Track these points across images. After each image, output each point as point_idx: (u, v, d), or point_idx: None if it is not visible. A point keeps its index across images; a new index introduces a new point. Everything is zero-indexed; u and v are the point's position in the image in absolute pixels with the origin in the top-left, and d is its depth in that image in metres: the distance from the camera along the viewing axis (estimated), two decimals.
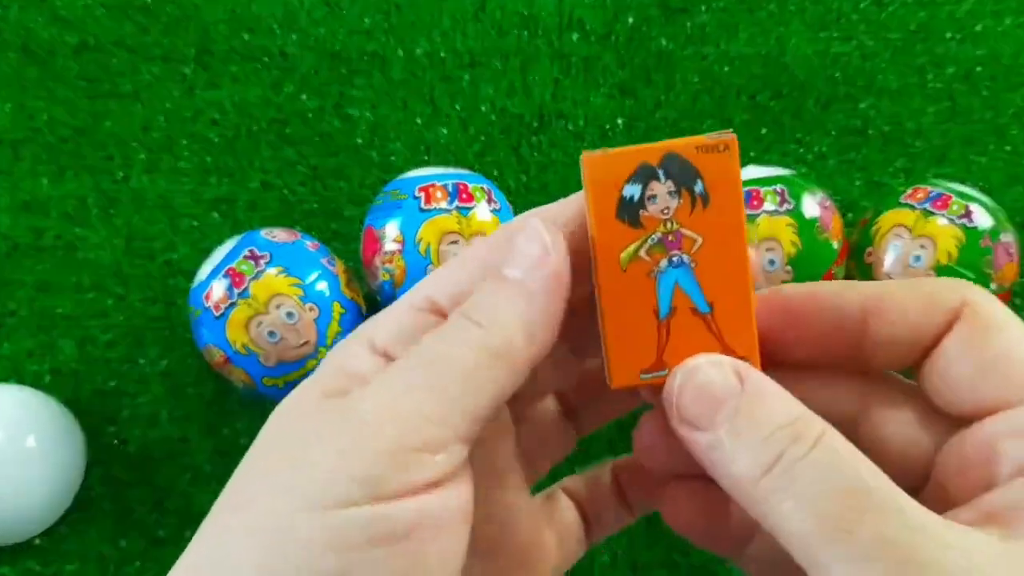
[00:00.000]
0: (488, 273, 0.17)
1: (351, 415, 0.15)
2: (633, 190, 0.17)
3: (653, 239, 0.17)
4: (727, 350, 0.17)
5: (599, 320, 0.17)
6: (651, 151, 0.17)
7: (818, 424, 0.15)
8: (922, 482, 0.17)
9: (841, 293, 0.18)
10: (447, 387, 0.16)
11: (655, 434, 0.19)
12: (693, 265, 0.17)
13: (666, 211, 0.17)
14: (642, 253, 0.17)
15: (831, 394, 0.19)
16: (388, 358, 0.17)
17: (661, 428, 0.18)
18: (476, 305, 0.17)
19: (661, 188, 0.17)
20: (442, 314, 0.17)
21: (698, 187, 0.17)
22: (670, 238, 0.17)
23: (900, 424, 0.18)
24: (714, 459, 0.16)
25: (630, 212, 0.17)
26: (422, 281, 0.18)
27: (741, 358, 0.17)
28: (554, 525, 0.21)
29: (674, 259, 0.17)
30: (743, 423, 0.16)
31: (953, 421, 0.17)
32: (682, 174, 0.17)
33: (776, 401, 0.16)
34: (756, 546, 0.20)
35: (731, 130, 0.17)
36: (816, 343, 0.18)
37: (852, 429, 0.18)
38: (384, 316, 0.18)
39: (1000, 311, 0.17)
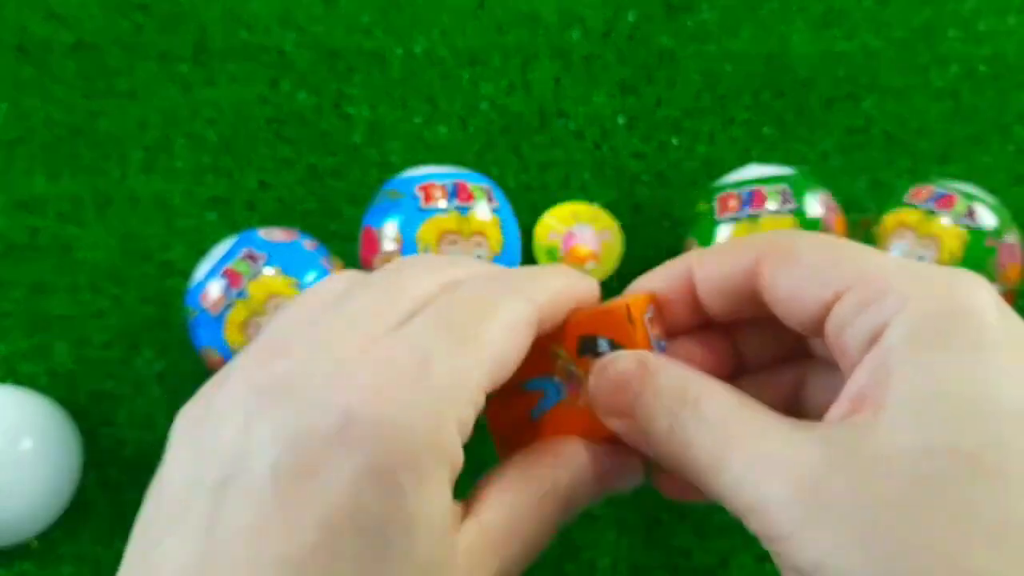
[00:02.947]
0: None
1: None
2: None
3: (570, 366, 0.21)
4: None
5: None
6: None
7: (695, 386, 0.18)
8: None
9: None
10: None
11: None
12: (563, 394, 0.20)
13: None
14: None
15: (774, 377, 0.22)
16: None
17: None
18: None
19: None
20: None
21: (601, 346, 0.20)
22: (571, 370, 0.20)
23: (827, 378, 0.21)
24: (638, 441, 0.18)
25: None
26: (468, 331, 0.18)
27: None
28: None
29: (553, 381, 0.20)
30: (644, 403, 0.18)
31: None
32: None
33: (664, 374, 0.18)
34: None
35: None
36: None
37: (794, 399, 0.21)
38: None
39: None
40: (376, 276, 0.19)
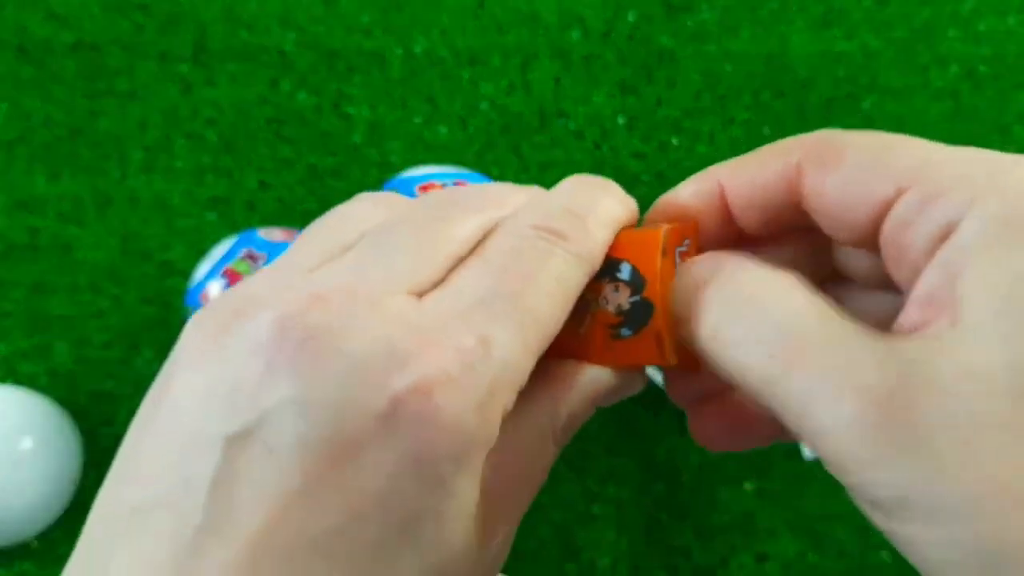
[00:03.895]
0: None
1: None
2: None
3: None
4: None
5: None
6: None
7: (748, 276, 0.16)
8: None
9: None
10: None
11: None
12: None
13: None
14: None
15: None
16: None
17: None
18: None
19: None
20: None
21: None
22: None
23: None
24: (696, 349, 0.17)
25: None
26: (524, 307, 0.16)
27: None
28: None
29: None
30: (697, 303, 0.16)
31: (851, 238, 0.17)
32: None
33: (723, 267, 0.17)
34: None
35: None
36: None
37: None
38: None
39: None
40: (415, 210, 0.17)
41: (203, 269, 0.35)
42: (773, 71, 0.45)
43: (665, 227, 0.18)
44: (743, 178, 0.18)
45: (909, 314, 0.15)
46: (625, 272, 0.17)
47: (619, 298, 0.17)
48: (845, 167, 0.16)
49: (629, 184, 0.43)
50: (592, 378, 0.18)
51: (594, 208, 0.18)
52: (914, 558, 0.13)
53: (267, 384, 0.14)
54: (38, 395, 0.37)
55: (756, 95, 0.44)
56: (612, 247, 0.18)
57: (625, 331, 0.17)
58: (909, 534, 0.13)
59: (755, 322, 0.15)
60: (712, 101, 0.44)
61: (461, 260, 0.16)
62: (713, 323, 0.16)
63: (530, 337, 0.15)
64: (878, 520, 0.14)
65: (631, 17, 0.45)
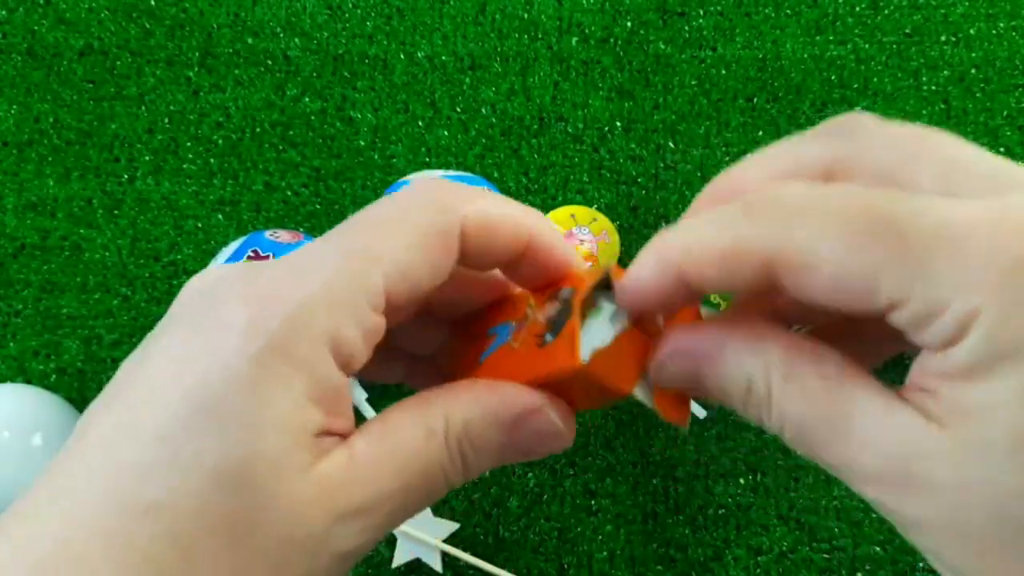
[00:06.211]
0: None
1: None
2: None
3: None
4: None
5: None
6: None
7: (779, 347, 0.16)
8: None
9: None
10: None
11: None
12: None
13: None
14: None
15: None
16: (354, 362, 0.16)
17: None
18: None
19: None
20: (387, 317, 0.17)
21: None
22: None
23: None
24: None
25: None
26: (358, 242, 0.17)
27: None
28: None
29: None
30: (717, 368, 0.17)
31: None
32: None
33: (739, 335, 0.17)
34: None
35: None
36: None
37: None
38: (348, 294, 0.16)
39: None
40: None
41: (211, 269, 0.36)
42: (767, 76, 0.45)
43: (616, 268, 0.19)
44: (705, 272, 0.17)
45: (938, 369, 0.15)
46: (566, 293, 0.19)
47: (551, 310, 0.19)
48: (824, 280, 0.16)
49: (626, 186, 0.44)
50: (495, 391, 0.18)
51: (478, 192, 0.19)
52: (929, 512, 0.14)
53: None
54: (48, 393, 0.38)
55: (750, 99, 0.45)
56: (568, 280, 0.19)
57: (548, 336, 0.18)
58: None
59: (789, 390, 0.16)
60: (707, 105, 0.45)
61: None
62: (738, 385, 0.17)
63: (364, 265, 0.16)
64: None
65: (628, 23, 0.46)
